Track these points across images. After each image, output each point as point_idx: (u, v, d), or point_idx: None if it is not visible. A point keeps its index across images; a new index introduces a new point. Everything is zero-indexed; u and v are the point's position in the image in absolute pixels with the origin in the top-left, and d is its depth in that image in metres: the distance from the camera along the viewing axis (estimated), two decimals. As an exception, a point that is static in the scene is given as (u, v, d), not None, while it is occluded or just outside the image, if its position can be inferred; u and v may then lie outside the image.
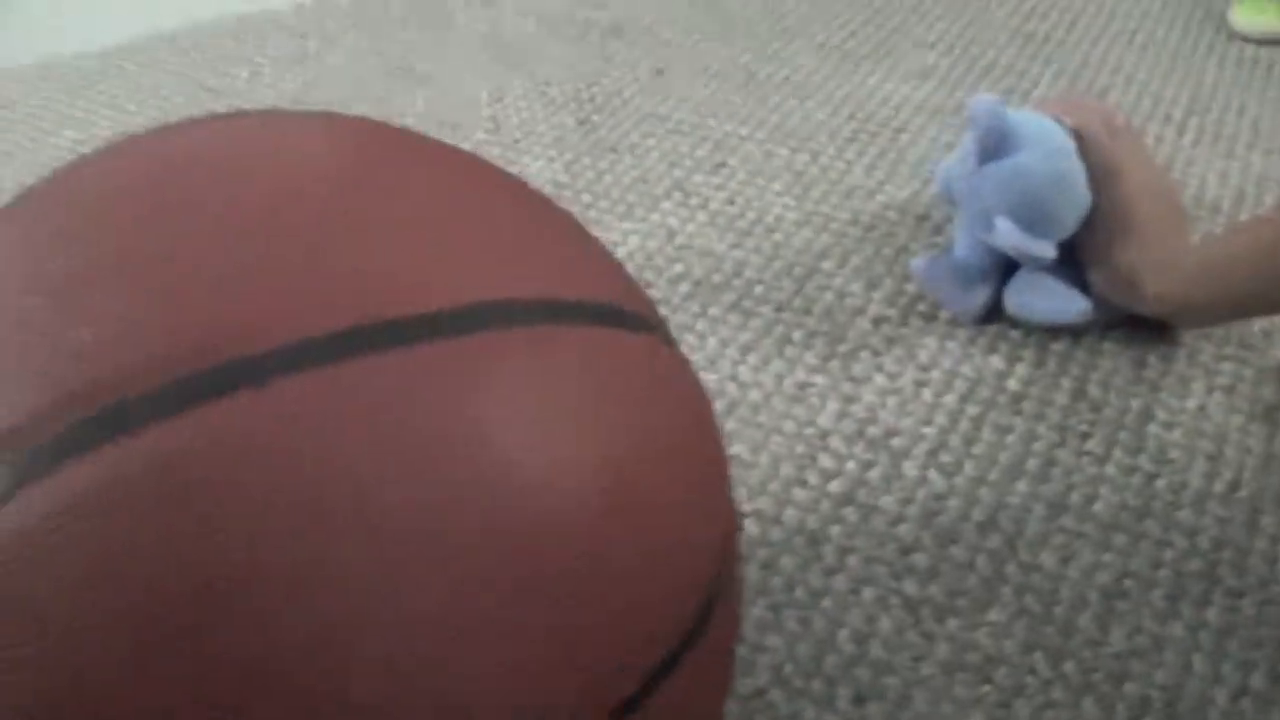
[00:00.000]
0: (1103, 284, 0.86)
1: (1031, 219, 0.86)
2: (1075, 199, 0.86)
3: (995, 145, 0.86)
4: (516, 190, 0.47)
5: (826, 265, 0.97)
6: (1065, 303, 0.87)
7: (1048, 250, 0.85)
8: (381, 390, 0.38)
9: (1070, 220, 0.86)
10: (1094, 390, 0.85)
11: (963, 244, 0.92)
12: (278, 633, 0.35)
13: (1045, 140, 0.86)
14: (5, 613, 0.36)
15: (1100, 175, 0.86)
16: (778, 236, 1.01)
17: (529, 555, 0.38)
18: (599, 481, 0.40)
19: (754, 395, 0.85)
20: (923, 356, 0.88)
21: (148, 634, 0.35)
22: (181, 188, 0.42)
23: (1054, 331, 0.90)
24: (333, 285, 0.39)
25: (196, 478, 0.36)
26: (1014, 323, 0.91)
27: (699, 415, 0.46)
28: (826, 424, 0.82)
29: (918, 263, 0.91)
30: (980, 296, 0.90)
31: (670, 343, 0.47)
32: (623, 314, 0.45)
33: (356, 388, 0.37)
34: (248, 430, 0.36)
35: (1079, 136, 0.88)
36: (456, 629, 0.37)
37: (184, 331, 0.38)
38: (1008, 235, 0.85)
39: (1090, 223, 0.87)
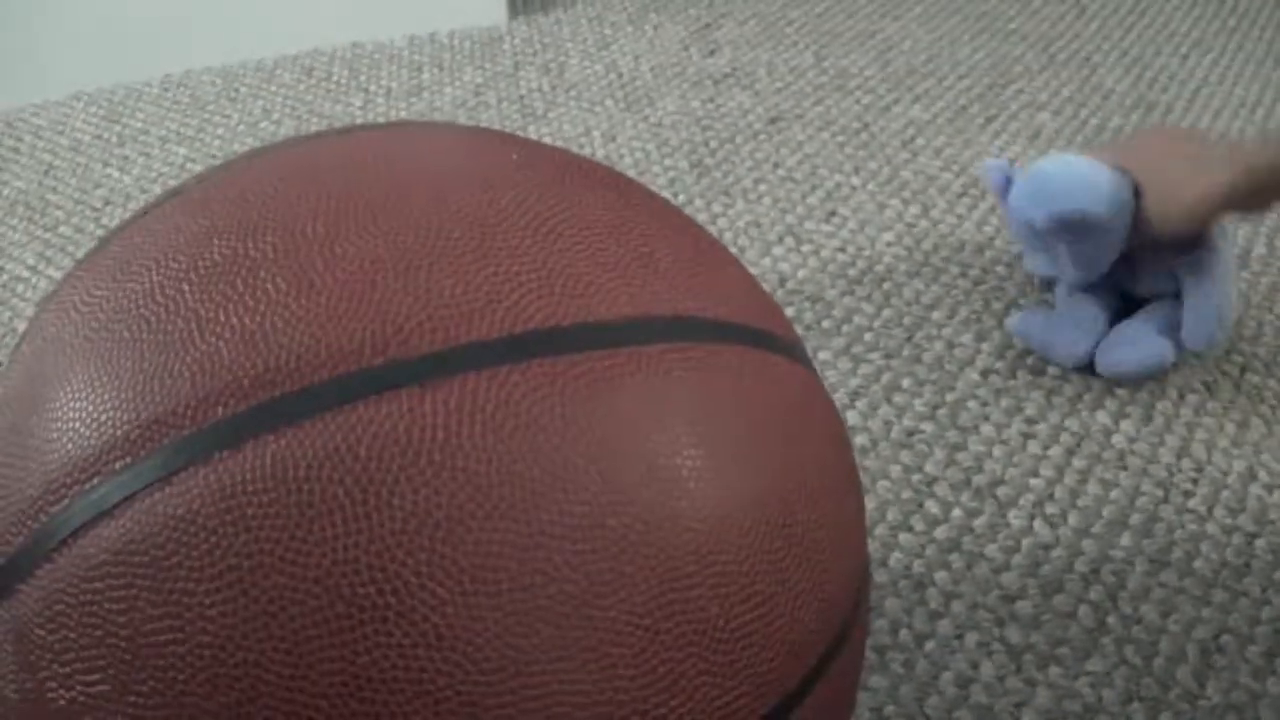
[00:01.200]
0: (1158, 220, 0.89)
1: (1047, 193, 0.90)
2: (1099, 192, 0.89)
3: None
4: (677, 212, 0.48)
5: (936, 316, 0.99)
6: (1150, 349, 0.89)
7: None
8: (552, 398, 0.39)
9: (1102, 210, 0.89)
10: (1198, 450, 0.86)
11: (1060, 294, 0.96)
12: (432, 636, 0.36)
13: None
14: (157, 601, 0.37)
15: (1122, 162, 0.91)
16: (888, 286, 1.03)
17: (666, 576, 0.39)
18: (760, 505, 0.41)
19: (862, 440, 0.86)
20: (1030, 409, 0.89)
21: (300, 635, 0.36)
22: (349, 184, 0.43)
23: (1159, 391, 0.91)
24: (508, 288, 0.40)
25: (358, 476, 0.37)
26: (1119, 381, 0.92)
27: (844, 442, 0.47)
28: (933, 471, 0.83)
29: (1013, 320, 0.95)
30: (1082, 344, 0.92)
31: (817, 373, 0.49)
32: (780, 340, 0.46)
33: (528, 393, 0.38)
34: (414, 430, 0.37)
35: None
36: (604, 637, 0.38)
37: (353, 325, 0.39)
38: (1016, 199, 0.91)
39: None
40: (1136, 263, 0.94)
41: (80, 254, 1.10)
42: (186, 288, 0.41)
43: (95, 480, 0.39)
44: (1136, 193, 0.89)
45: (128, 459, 0.38)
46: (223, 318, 0.40)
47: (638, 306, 0.42)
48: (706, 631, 0.39)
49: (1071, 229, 0.89)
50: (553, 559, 0.37)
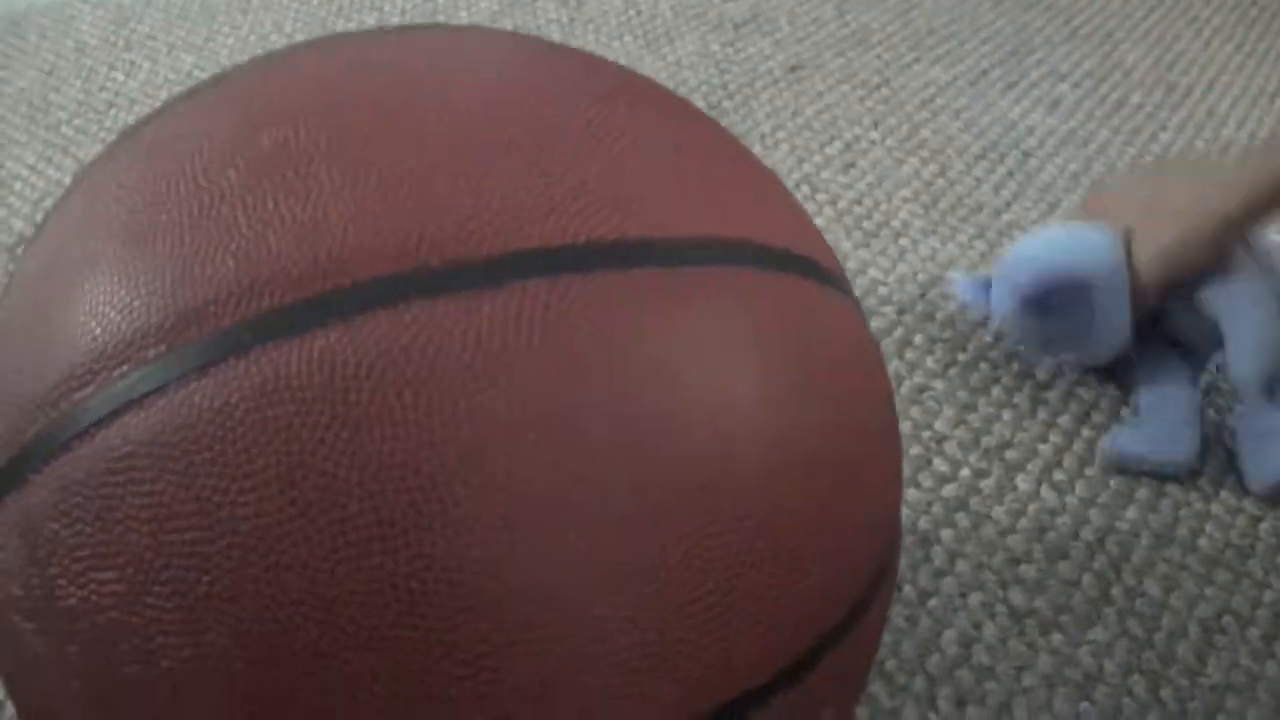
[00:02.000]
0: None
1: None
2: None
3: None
4: (735, 139, 0.47)
5: (951, 275, 0.98)
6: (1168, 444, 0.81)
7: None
8: (615, 311, 0.37)
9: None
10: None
11: (1142, 398, 0.85)
12: (477, 550, 0.35)
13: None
14: (185, 498, 0.36)
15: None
16: (904, 241, 1.02)
17: (716, 501, 0.37)
18: (816, 436, 0.40)
19: (871, 394, 0.85)
20: (1041, 375, 0.88)
21: (337, 541, 0.35)
22: (400, 83, 0.41)
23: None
24: (571, 196, 0.39)
25: (410, 378, 0.35)
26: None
27: (888, 380, 0.46)
28: (942, 429, 0.83)
29: (1108, 443, 0.82)
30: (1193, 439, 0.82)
31: (859, 306, 0.47)
32: (836, 276, 0.45)
33: (590, 304, 0.37)
34: (470, 334, 0.36)
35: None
36: (653, 561, 0.36)
37: (412, 222, 0.37)
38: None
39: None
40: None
41: (83, 155, 1.09)
42: (232, 174, 0.39)
43: (125, 368, 0.37)
44: (1128, 250, 0.81)
45: (162, 347, 0.37)
46: (271, 206, 0.38)
47: (704, 227, 0.40)
48: (754, 564, 0.38)
49: (1062, 298, 0.80)
50: (606, 478, 0.36)
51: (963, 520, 0.76)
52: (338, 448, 0.35)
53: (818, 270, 0.44)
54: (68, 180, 1.06)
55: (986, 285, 0.88)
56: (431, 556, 0.35)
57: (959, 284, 0.89)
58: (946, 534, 0.75)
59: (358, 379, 0.35)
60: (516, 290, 0.37)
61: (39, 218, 1.02)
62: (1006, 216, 1.06)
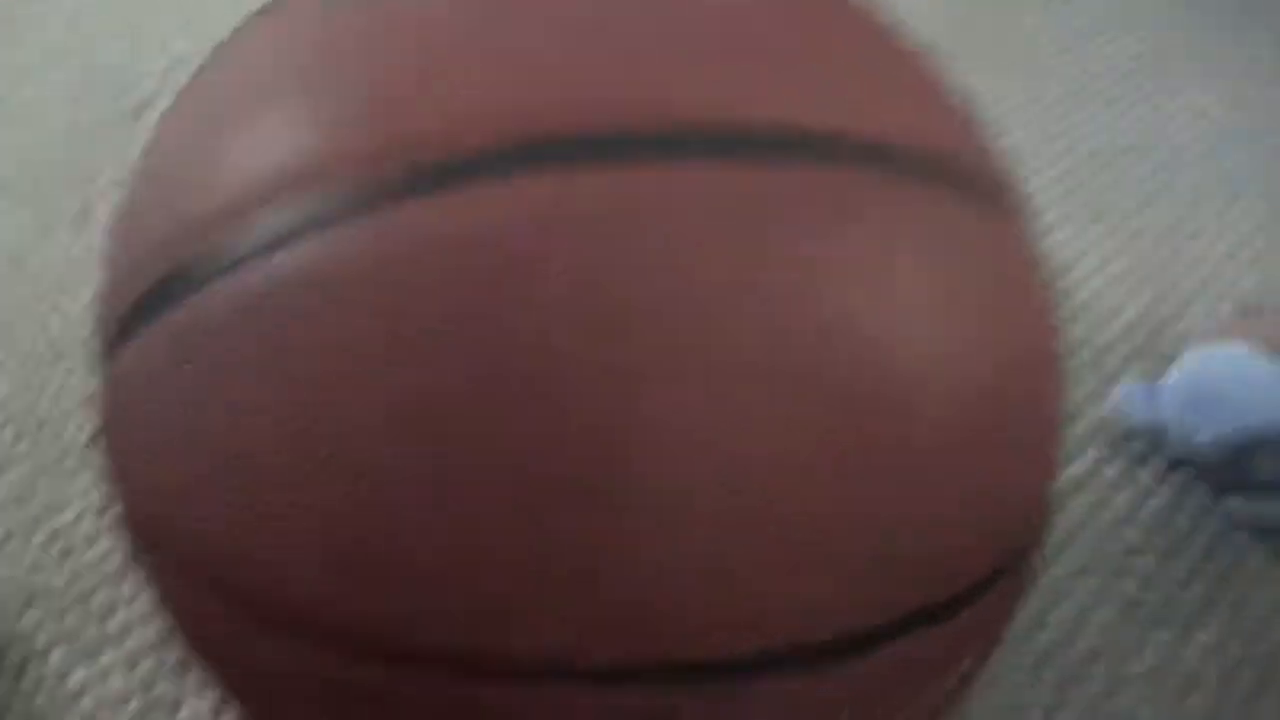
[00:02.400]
0: None
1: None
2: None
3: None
4: (905, 39, 0.44)
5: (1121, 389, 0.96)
6: None
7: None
8: (790, 208, 0.34)
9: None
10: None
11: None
12: (583, 437, 0.32)
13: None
14: (283, 372, 0.33)
15: None
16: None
17: (878, 427, 0.34)
18: (984, 373, 0.37)
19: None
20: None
21: (496, 395, 0.32)
22: None
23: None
24: (757, 77, 0.36)
25: (541, 248, 0.33)
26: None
27: (1054, 317, 0.43)
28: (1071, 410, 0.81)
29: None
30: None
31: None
32: (1005, 194, 0.42)
33: (754, 195, 0.34)
34: (631, 202, 0.33)
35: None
36: (783, 463, 0.34)
37: (611, 83, 0.34)
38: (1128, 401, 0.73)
39: None
40: None
41: (228, 23, 1.08)
42: (423, 14, 0.37)
43: (281, 205, 0.35)
44: None
45: (332, 185, 0.34)
46: (467, 48, 0.35)
47: (898, 136, 0.37)
48: (924, 490, 0.36)
49: (1254, 447, 0.70)
50: (780, 373, 0.33)
51: (1081, 503, 0.74)
52: (440, 328, 0.33)
53: (997, 192, 0.41)
54: (205, 48, 1.05)
55: (1153, 396, 0.76)
56: (595, 427, 0.32)
57: (1127, 396, 0.77)
58: (1062, 516, 0.73)
59: (529, 234, 0.33)
60: (689, 169, 0.34)
61: (171, 82, 1.01)
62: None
